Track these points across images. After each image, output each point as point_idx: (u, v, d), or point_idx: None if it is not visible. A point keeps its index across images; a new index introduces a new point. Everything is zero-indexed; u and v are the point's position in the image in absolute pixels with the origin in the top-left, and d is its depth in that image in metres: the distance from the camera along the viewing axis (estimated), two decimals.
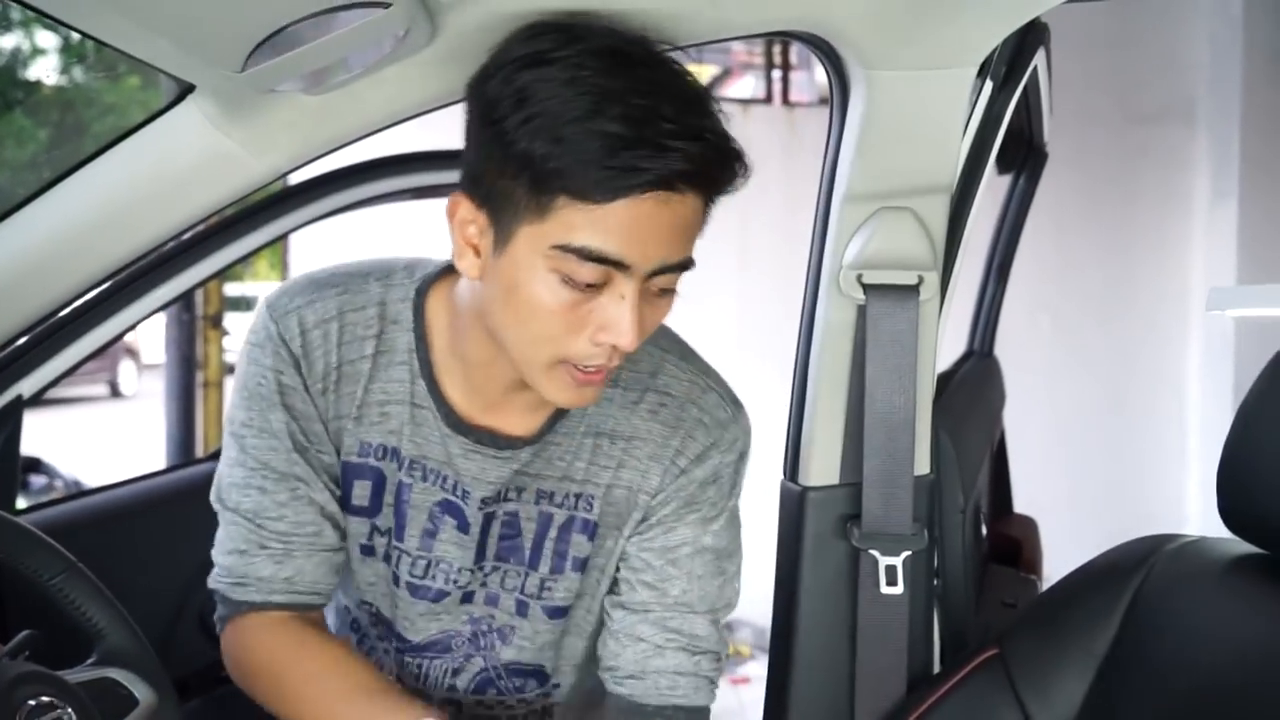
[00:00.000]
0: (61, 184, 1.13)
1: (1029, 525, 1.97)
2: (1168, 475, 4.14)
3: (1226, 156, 3.98)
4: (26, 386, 1.44)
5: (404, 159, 2.00)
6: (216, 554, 1.09)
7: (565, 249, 0.86)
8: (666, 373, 1.10)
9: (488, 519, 1.09)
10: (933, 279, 1.19)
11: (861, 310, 1.20)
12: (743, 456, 1.13)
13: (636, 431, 1.08)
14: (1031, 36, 1.36)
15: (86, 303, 1.29)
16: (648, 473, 1.09)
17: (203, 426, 3.62)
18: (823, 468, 1.25)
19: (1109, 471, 4.02)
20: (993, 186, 1.39)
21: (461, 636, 1.15)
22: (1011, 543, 1.87)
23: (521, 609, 1.13)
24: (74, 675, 0.95)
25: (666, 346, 1.11)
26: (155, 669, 1.04)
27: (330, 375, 1.04)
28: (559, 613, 1.13)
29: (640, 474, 1.09)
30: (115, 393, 11.98)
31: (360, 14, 0.90)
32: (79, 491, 1.79)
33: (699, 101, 0.89)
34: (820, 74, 4.41)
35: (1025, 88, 1.42)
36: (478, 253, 0.93)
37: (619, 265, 0.87)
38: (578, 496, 1.10)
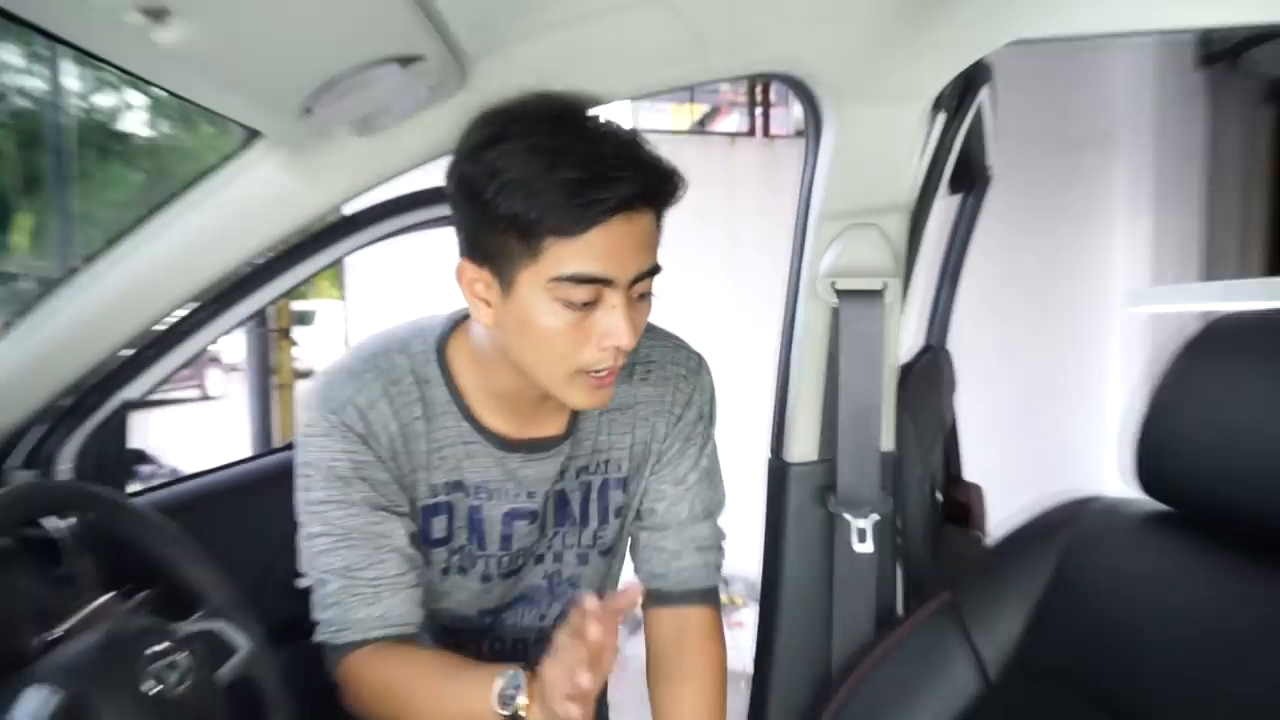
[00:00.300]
0: (151, 220, 1.14)
1: (976, 491, 1.95)
2: (1089, 450, 4.10)
3: (1140, 178, 3.93)
4: (131, 392, 1.44)
5: (439, 191, 1.99)
6: (317, 614, 1.07)
7: (559, 279, 0.90)
8: (642, 346, 1.12)
9: (544, 502, 1.12)
10: (895, 284, 1.19)
11: (835, 312, 1.20)
12: (713, 393, 1.17)
13: (636, 398, 1.13)
14: (977, 75, 1.35)
15: (178, 319, 1.29)
16: (655, 427, 1.14)
17: (278, 421, 3.64)
18: (803, 446, 1.25)
19: (1041, 446, 3.98)
20: (945, 204, 1.38)
21: (540, 590, 1.19)
22: (962, 506, 1.86)
23: (582, 559, 1.18)
24: (185, 627, 0.97)
25: None
26: (250, 622, 1.05)
27: (395, 441, 1.04)
28: (608, 551, 1.19)
29: (649, 429, 1.14)
30: (204, 395, 11.98)
31: (400, 66, 0.91)
32: (179, 477, 1.79)
33: (631, 138, 0.93)
34: (796, 110, 4.42)
35: (972, 119, 1.42)
36: (488, 304, 0.96)
37: (605, 282, 0.91)
38: (606, 462, 1.14)
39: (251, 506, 1.76)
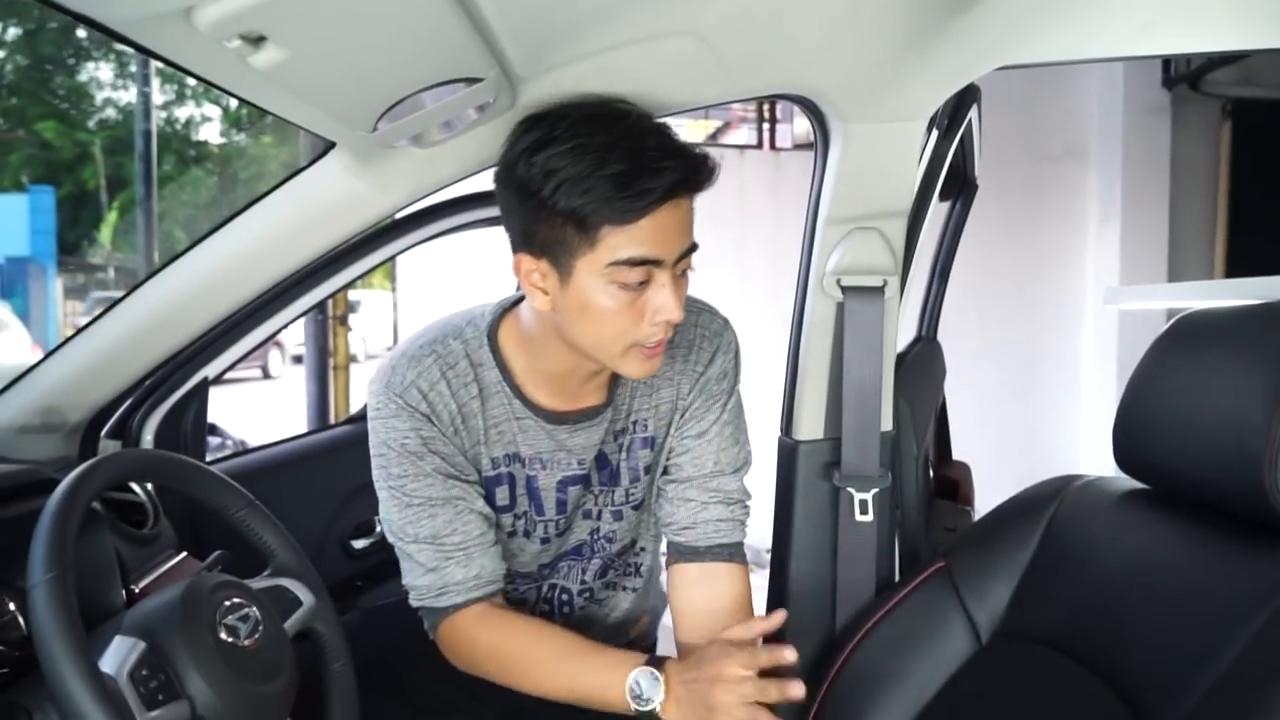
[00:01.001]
0: (233, 221, 1.14)
1: (964, 469, 1.94)
2: (1065, 433, 4.09)
3: (1111, 188, 3.90)
4: (210, 370, 1.44)
5: (482, 195, 1.98)
6: (409, 581, 1.07)
7: (616, 264, 0.90)
8: None
9: (590, 466, 1.11)
10: (894, 281, 1.17)
11: (840, 306, 1.19)
12: (737, 352, 1.14)
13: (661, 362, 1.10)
14: (967, 96, 1.34)
15: (252, 305, 1.29)
16: (680, 385, 1.11)
17: (334, 399, 3.67)
18: (810, 426, 1.24)
19: (1021, 430, 3.97)
20: (936, 211, 1.37)
21: (584, 545, 1.17)
22: (951, 482, 1.84)
23: (617, 515, 1.16)
24: (255, 583, 0.97)
25: None
26: (314, 579, 1.04)
27: (455, 419, 1.03)
28: (639, 506, 1.17)
29: (674, 389, 1.11)
30: (266, 375, 12.05)
31: (460, 86, 0.90)
32: (248, 449, 1.79)
33: (666, 131, 0.93)
34: (798, 126, 4.39)
35: (962, 135, 1.40)
36: (545, 292, 0.95)
37: (655, 263, 0.91)
38: (635, 423, 1.11)
39: (311, 477, 1.78)
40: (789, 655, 0.92)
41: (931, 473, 1.72)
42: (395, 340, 4.32)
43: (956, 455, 2.08)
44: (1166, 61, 3.82)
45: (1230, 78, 3.87)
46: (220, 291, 1.16)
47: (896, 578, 1.28)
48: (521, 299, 1.06)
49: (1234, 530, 0.86)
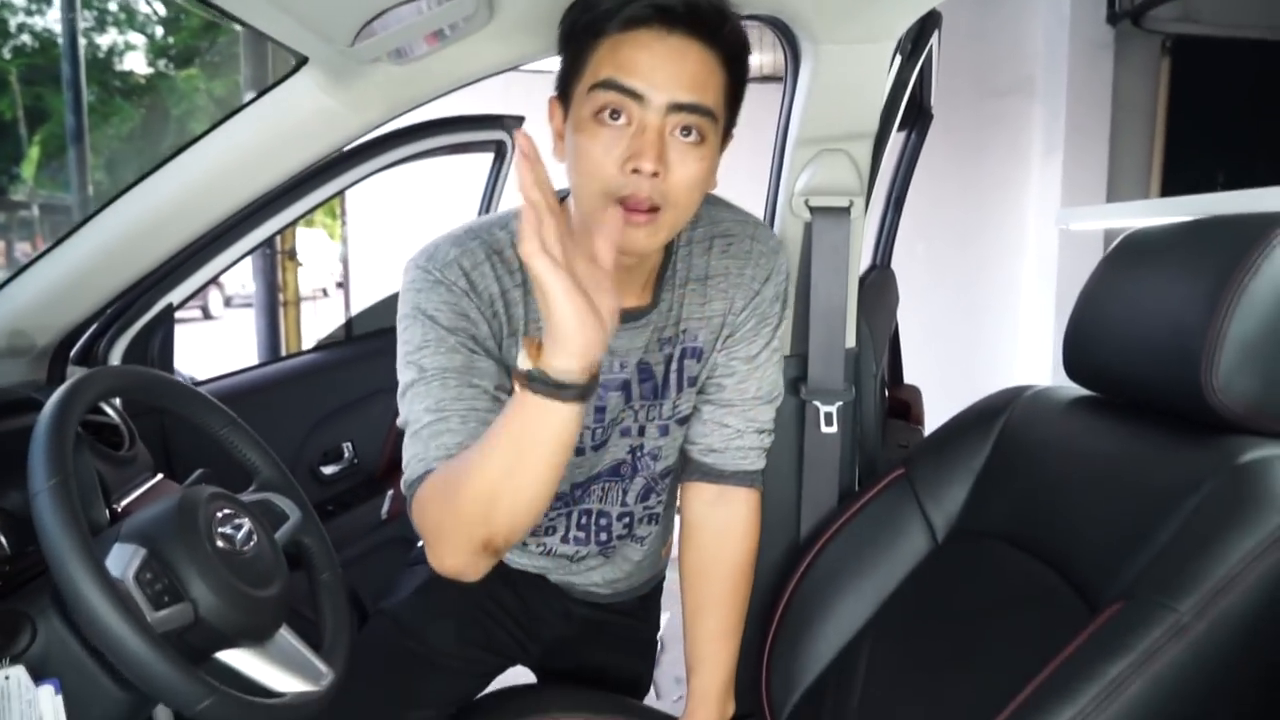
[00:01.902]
0: (198, 143, 1.12)
1: (915, 392, 2.01)
2: (1003, 355, 4.24)
3: (1055, 122, 3.97)
4: (175, 296, 1.43)
5: (440, 122, 1.93)
6: (408, 461, 0.94)
7: (595, 86, 0.85)
8: (721, 220, 1.06)
9: (632, 373, 1.06)
10: (860, 202, 1.20)
11: (808, 226, 1.21)
12: (789, 277, 1.12)
13: (714, 270, 1.05)
14: (929, 22, 1.36)
15: (213, 232, 1.27)
16: (733, 300, 1.06)
17: (285, 336, 3.63)
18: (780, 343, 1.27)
19: (964, 353, 4.08)
20: (892, 141, 1.40)
21: (625, 463, 1.13)
22: (903, 404, 1.91)
23: (663, 430, 1.11)
24: (245, 497, 0.98)
25: (713, 202, 1.07)
26: (298, 493, 1.05)
27: (496, 302, 0.96)
28: (684, 421, 1.12)
29: (726, 301, 1.06)
30: (207, 315, 11.77)
31: (438, 1, 0.90)
32: (213, 377, 1.78)
33: None
34: (755, 58, 4.35)
35: (921, 64, 1.43)
36: (561, 138, 0.92)
37: (634, 95, 0.84)
38: (684, 333, 1.06)
39: (280, 404, 1.78)
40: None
41: (886, 394, 1.78)
42: (345, 278, 4.24)
43: (906, 380, 2.16)
44: None
45: (1171, 14, 3.94)
46: (191, 212, 1.15)
47: (857, 487, 1.34)
48: (567, 194, 1.00)
49: (1172, 427, 0.92)
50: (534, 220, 0.72)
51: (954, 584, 1.06)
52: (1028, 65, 4.01)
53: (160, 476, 1.20)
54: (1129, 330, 0.97)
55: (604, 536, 1.17)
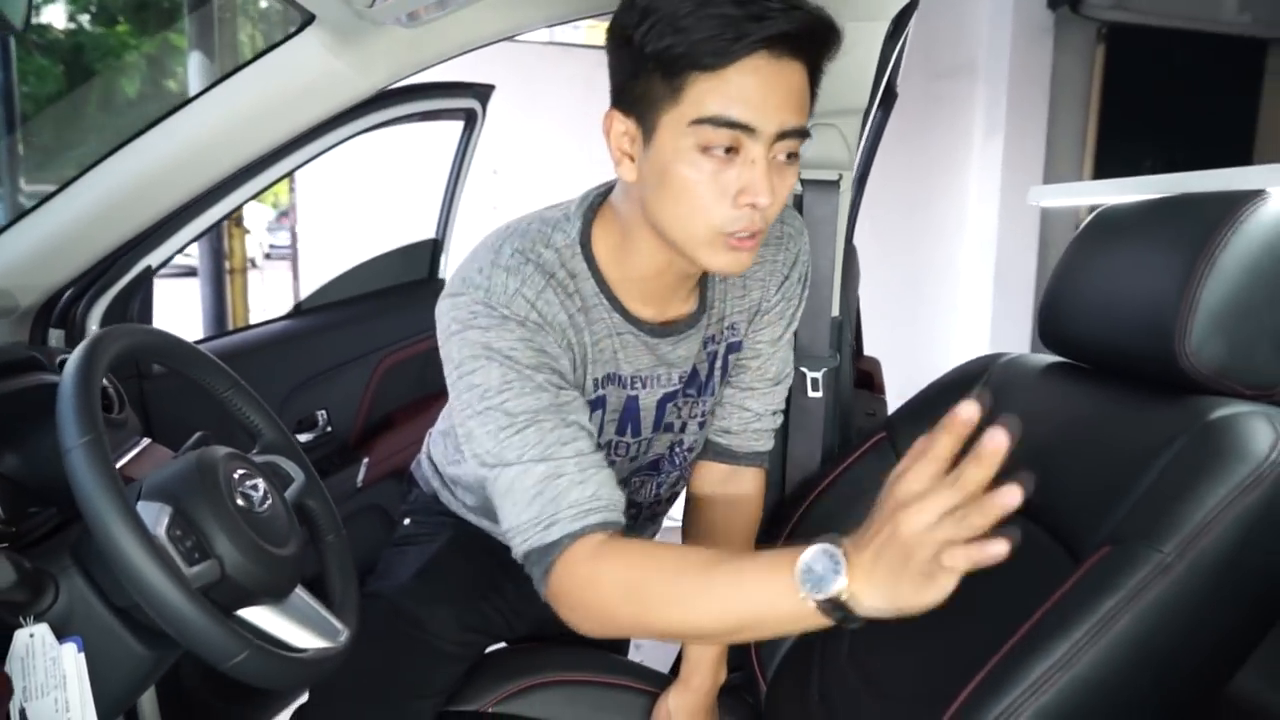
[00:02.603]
0: (194, 102, 1.10)
1: (875, 363, 2.06)
2: (942, 330, 4.38)
3: (997, 104, 4.09)
4: (154, 259, 1.41)
5: (410, 89, 1.90)
6: (513, 519, 0.86)
7: (700, 121, 0.79)
8: None
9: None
10: (849, 176, 1.25)
11: (798, 199, 1.25)
12: (809, 258, 1.10)
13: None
14: (911, 3, 1.40)
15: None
16: (768, 286, 1.06)
17: (231, 303, 3.54)
18: None
19: (907, 328, 4.21)
20: None
21: (663, 459, 1.12)
22: (866, 374, 1.98)
23: (702, 425, 1.11)
24: (252, 458, 0.99)
25: None
26: (301, 456, 1.06)
27: (567, 331, 0.92)
28: (713, 410, 1.12)
29: (763, 289, 1.06)
30: None
31: None
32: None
33: None
34: None
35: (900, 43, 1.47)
36: (632, 159, 0.86)
37: (745, 129, 0.79)
38: (729, 328, 1.06)
39: (252, 372, 1.74)
40: (996, 444, 0.62)
41: (855, 364, 1.84)
42: (293, 247, 4.14)
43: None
44: None
45: (1107, 2, 4.10)
46: (187, 171, 1.13)
47: (837, 450, 1.39)
48: (607, 194, 0.96)
49: (1145, 390, 0.99)
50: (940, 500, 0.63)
51: None
52: (971, 48, 4.12)
53: (149, 440, 1.19)
54: (1104, 300, 1.03)
55: (632, 523, 1.17)
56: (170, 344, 0.97)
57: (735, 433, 1.13)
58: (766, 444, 1.16)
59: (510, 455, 0.85)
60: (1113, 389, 1.04)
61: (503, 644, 1.29)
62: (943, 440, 0.64)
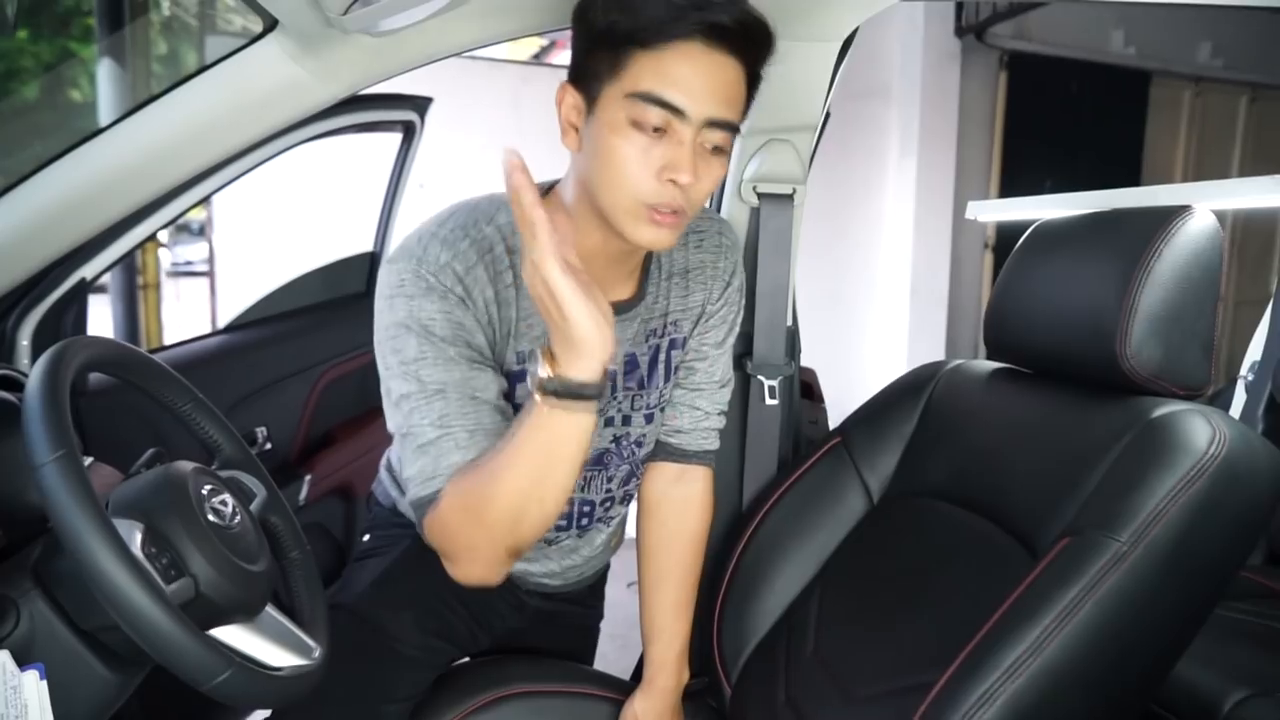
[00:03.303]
0: (143, 110, 1.06)
1: (813, 373, 2.12)
2: (861, 342, 4.51)
3: (909, 126, 4.25)
4: (88, 270, 1.35)
5: (349, 101, 1.88)
6: (406, 471, 0.94)
7: (635, 95, 0.84)
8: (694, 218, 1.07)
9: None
10: (802, 190, 1.28)
11: (755, 211, 1.28)
12: (743, 267, 1.17)
13: (692, 263, 1.10)
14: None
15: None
16: (711, 289, 1.12)
17: (144, 321, 3.36)
18: None
19: (831, 340, 4.30)
20: None
21: (609, 453, 1.14)
22: (805, 385, 2.03)
23: (649, 419, 1.14)
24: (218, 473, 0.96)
25: None
26: (261, 471, 1.03)
27: (490, 306, 0.96)
28: (663, 408, 1.16)
29: (705, 292, 1.12)
30: None
31: None
32: None
33: None
34: None
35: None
36: (576, 130, 0.91)
37: (676, 111, 0.85)
38: (672, 325, 1.11)
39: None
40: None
41: None
42: (210, 262, 3.98)
43: None
44: (958, 12, 4.20)
45: (1008, 32, 4.33)
46: (132, 182, 1.07)
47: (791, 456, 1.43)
48: (553, 186, 1.02)
49: (1089, 392, 1.05)
50: (549, 235, 0.76)
51: (896, 538, 1.17)
52: (885, 72, 4.28)
53: (92, 460, 1.13)
54: (1046, 308, 1.09)
55: (584, 521, 1.19)
56: (132, 357, 0.93)
57: (687, 431, 1.18)
58: (714, 443, 1.20)
59: (416, 418, 0.92)
60: (1057, 392, 1.10)
61: (468, 658, 1.28)
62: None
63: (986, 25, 4.23)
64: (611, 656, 1.58)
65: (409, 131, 2.08)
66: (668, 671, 1.22)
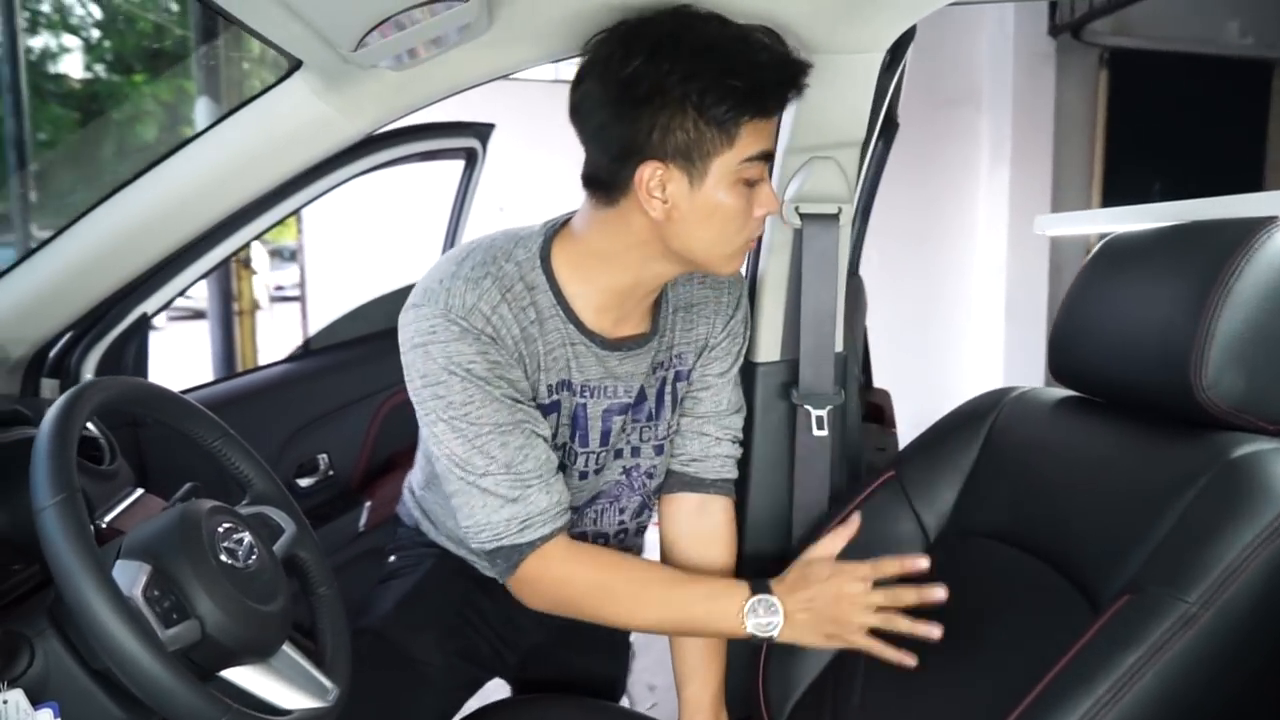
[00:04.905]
0: (183, 149, 1.09)
1: (885, 395, 2.04)
2: (954, 361, 4.33)
3: (1001, 133, 4.08)
4: (149, 306, 1.39)
5: (411, 129, 1.90)
6: (480, 519, 0.98)
7: (750, 159, 0.91)
8: None
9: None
10: (848, 209, 1.22)
11: (798, 233, 1.23)
12: (745, 299, 1.19)
13: (695, 298, 1.12)
14: (907, 33, 1.38)
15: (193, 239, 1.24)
16: (714, 323, 1.13)
17: (240, 345, 3.52)
18: (768, 349, 1.28)
19: (918, 357, 4.15)
20: None
21: (620, 485, 1.15)
22: (876, 407, 1.94)
23: (659, 450, 1.15)
24: (241, 510, 0.96)
25: None
26: (292, 506, 1.03)
27: (518, 344, 0.98)
28: (671, 439, 1.16)
29: (709, 326, 1.13)
30: (151, 327, 11.32)
31: (443, 6, 0.89)
32: (189, 388, 1.72)
33: (762, 34, 0.93)
34: None
35: (898, 73, 1.45)
36: (664, 201, 0.92)
37: (769, 158, 0.94)
38: (677, 357, 1.12)
39: (253, 416, 1.73)
40: (922, 563, 0.95)
41: (862, 398, 1.81)
42: (301, 288, 4.15)
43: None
44: (1052, 11, 4.00)
45: (1108, 28, 4.09)
46: (177, 219, 1.12)
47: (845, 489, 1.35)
48: (567, 221, 1.03)
49: (1160, 426, 0.95)
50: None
51: (950, 581, 1.07)
52: (974, 77, 4.12)
53: (142, 491, 1.16)
54: (1115, 332, 1.00)
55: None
56: (153, 394, 0.94)
57: (700, 459, 1.16)
58: (731, 472, 1.18)
59: (479, 463, 0.96)
60: (1128, 425, 1.00)
61: (495, 677, 1.28)
62: (889, 567, 0.96)
63: (1084, 22, 4.01)
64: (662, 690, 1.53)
65: (471, 158, 2.09)
66: (705, 715, 1.19)
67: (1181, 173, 4.07)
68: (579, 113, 0.94)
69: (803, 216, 1.21)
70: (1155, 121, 4.19)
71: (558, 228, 1.03)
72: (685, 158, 0.90)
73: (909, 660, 0.93)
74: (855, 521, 1.00)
